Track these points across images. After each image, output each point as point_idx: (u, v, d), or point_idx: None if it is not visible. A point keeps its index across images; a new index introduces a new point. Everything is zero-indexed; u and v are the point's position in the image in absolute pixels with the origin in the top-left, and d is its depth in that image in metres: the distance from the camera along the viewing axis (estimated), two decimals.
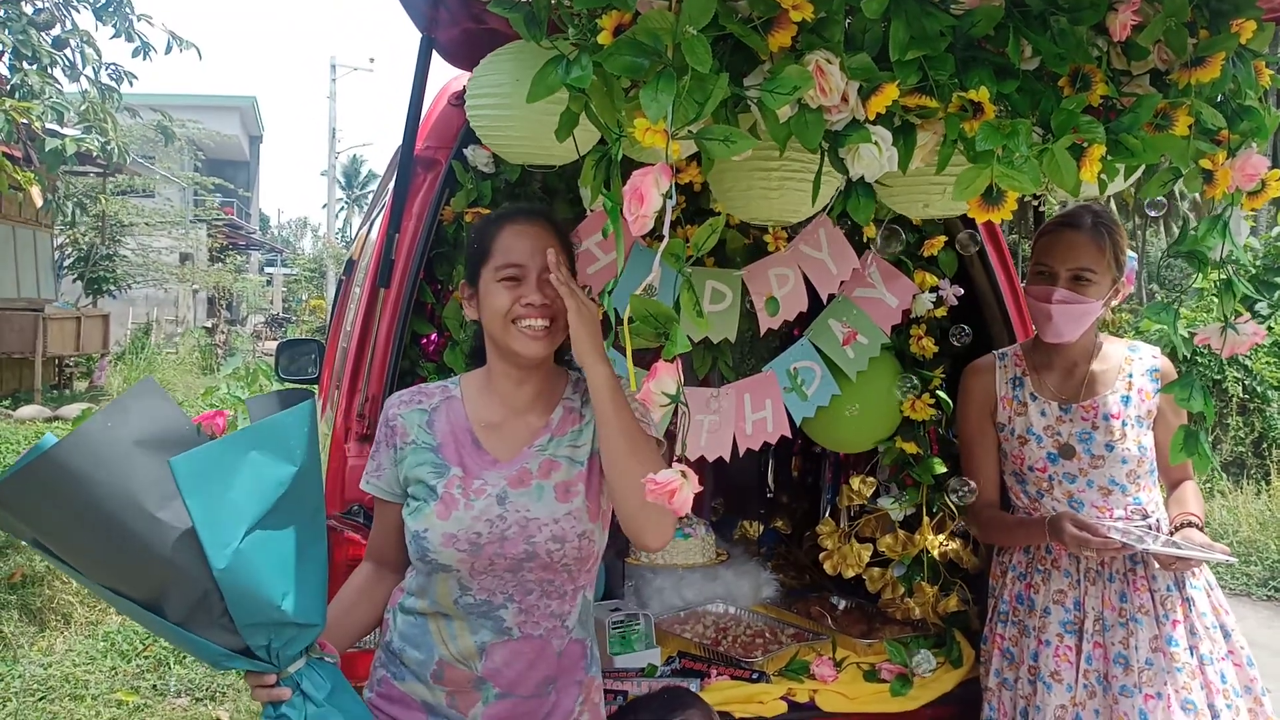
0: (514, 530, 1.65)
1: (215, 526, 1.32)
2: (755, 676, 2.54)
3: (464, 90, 2.00)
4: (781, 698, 2.49)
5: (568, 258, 1.74)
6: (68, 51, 6.29)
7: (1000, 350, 2.50)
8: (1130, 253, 2.34)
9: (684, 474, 1.31)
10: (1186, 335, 1.82)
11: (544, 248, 1.68)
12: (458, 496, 1.66)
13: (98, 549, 1.30)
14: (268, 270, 35.06)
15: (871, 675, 2.62)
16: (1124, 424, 2.28)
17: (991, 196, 1.44)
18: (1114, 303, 2.31)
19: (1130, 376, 2.34)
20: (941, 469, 2.74)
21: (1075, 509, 2.29)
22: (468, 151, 2.34)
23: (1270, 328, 9.35)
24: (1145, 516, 2.29)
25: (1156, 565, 2.20)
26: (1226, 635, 2.24)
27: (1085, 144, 1.43)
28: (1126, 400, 2.32)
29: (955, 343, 2.79)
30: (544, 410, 1.77)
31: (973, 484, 2.46)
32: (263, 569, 1.37)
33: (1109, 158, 1.48)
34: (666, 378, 1.42)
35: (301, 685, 1.45)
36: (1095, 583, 2.26)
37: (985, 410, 2.45)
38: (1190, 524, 2.25)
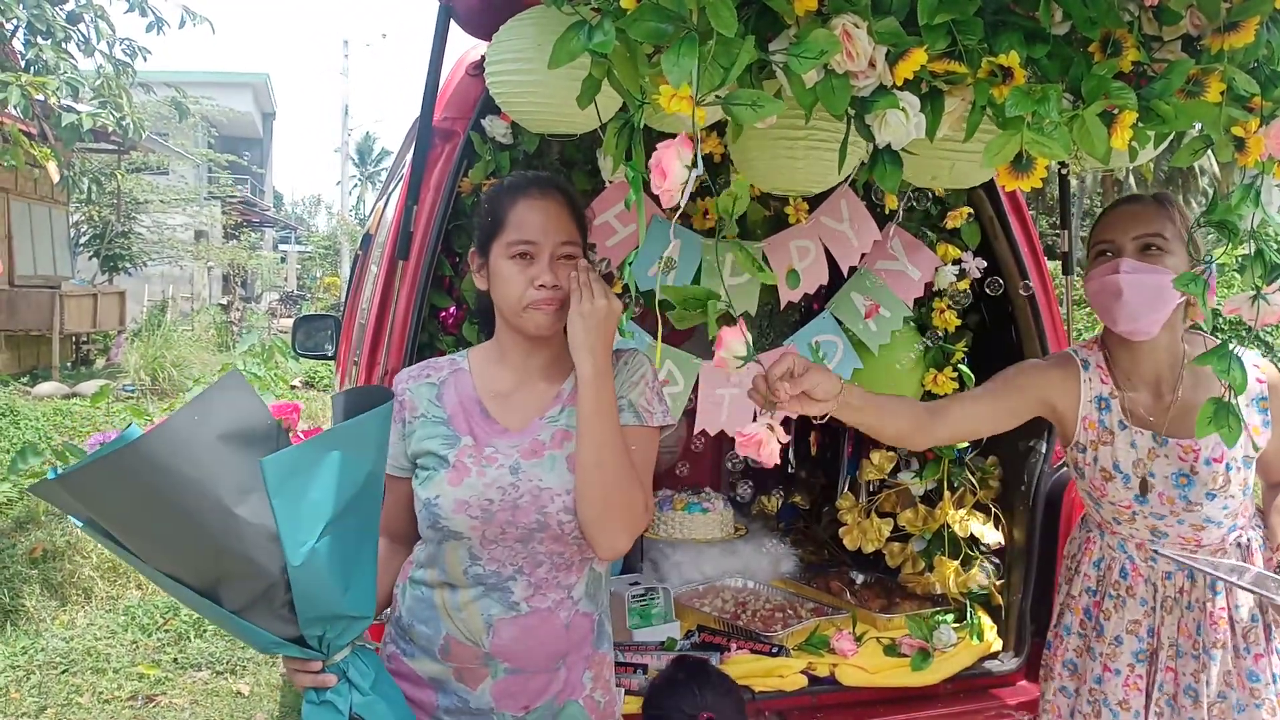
0: (526, 499, 1.63)
1: (295, 524, 1.33)
2: (775, 650, 2.53)
3: (482, 60, 1.98)
4: (801, 671, 2.49)
5: (581, 230, 1.72)
6: (81, 26, 6.27)
7: (1081, 356, 2.10)
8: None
9: (770, 428, 1.30)
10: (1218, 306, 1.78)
11: (558, 224, 1.66)
12: (469, 464, 1.65)
13: (165, 538, 1.30)
14: (282, 247, 35.09)
15: (892, 650, 2.62)
16: (1228, 468, 1.95)
17: (1021, 164, 1.41)
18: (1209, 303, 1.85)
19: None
20: (963, 443, 2.72)
21: (1158, 540, 2.04)
22: (486, 122, 2.31)
23: None
24: (1240, 547, 2.05)
25: (1239, 595, 2.02)
26: None
27: (1116, 110, 1.40)
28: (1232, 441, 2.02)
29: (989, 291, 2.72)
30: (555, 378, 1.74)
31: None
32: (332, 565, 1.38)
33: (1140, 125, 1.44)
34: (733, 341, 1.41)
35: (348, 674, 1.46)
36: (1172, 611, 2.05)
37: (1039, 406, 2.09)
38: None
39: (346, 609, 1.42)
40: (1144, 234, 1.91)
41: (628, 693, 2.26)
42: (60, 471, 1.22)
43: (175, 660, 4.58)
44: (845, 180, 2.16)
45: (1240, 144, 1.52)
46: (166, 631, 4.86)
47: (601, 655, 1.79)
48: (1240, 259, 1.62)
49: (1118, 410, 2.03)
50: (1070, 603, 2.21)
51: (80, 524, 1.30)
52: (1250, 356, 1.98)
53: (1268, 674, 2.00)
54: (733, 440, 2.75)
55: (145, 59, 6.94)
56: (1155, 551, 2.02)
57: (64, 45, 6.09)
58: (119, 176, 14.52)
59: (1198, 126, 1.52)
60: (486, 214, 1.72)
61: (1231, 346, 1.62)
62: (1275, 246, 1.72)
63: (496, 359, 1.75)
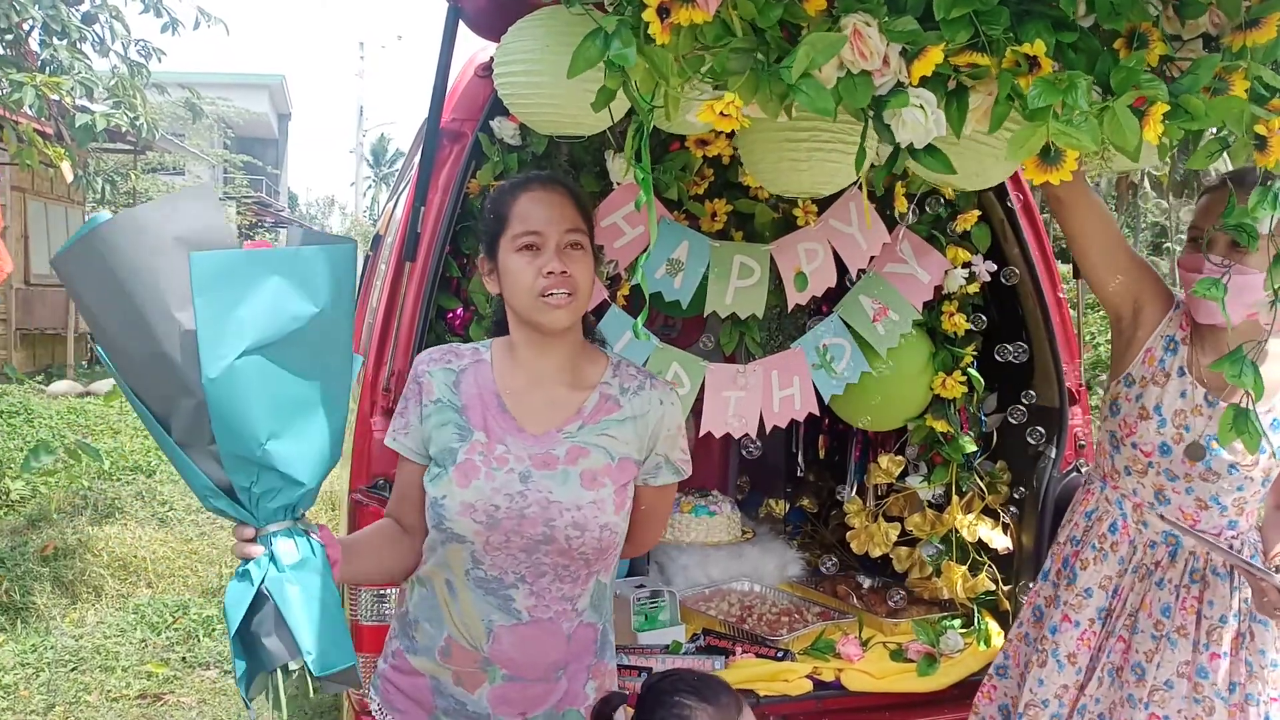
0: (534, 510, 1.61)
1: (215, 333, 1.29)
2: (780, 655, 2.52)
3: (491, 61, 1.98)
4: (807, 676, 2.48)
5: (587, 225, 1.70)
6: (97, 27, 6.30)
7: (1177, 299, 2.12)
8: None
9: None
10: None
11: (562, 213, 1.64)
12: (479, 464, 1.63)
13: (123, 339, 1.30)
14: None
15: (898, 655, 2.61)
16: (1262, 450, 1.93)
17: (1049, 156, 1.38)
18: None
19: None
20: (972, 447, 2.71)
21: (1156, 504, 2.07)
22: (494, 124, 2.32)
23: None
24: (1233, 540, 2.06)
25: (1204, 570, 2.04)
26: None
27: (1146, 104, 1.37)
28: (1276, 425, 1.99)
29: (1005, 281, 2.71)
30: (572, 384, 1.72)
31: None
32: (252, 397, 1.31)
33: (1168, 120, 1.41)
34: None
35: (272, 545, 1.37)
36: (1144, 580, 2.08)
37: (1131, 295, 2.11)
38: None
39: (274, 460, 1.34)
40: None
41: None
42: (58, 251, 1.29)
43: (184, 659, 4.59)
44: (853, 184, 2.14)
45: (1261, 143, 1.50)
46: (176, 630, 4.87)
47: (604, 665, 1.77)
48: None
49: (1182, 357, 2.04)
50: (1057, 549, 2.25)
51: (97, 345, 1.36)
52: None
53: (1218, 676, 2.01)
54: (739, 441, 2.75)
55: (160, 60, 6.96)
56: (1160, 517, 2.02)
57: (79, 45, 6.12)
58: (134, 177, 14.59)
59: (1211, 130, 1.51)
60: (490, 214, 1.71)
61: (1245, 352, 1.61)
62: None
63: (511, 354, 1.73)
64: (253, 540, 1.38)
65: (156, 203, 1.31)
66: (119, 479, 7.47)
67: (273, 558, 1.36)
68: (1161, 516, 2.07)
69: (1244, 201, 1.73)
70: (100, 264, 1.26)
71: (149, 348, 1.28)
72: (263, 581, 1.35)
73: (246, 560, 1.36)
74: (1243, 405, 1.54)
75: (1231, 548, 2.04)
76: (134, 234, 1.27)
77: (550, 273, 1.61)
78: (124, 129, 6.33)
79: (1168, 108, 1.35)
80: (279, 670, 1.37)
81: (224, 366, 1.28)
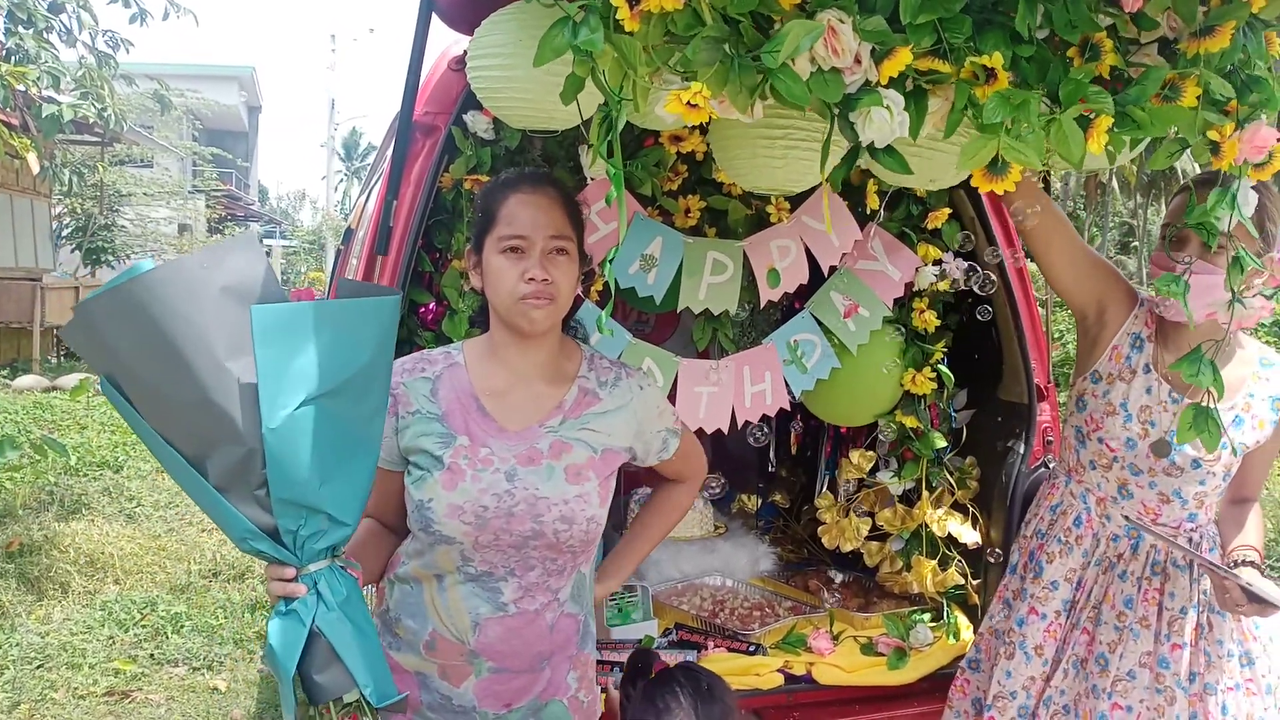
0: (522, 507, 1.63)
1: (276, 384, 1.32)
2: (752, 649, 2.54)
3: (464, 55, 1.97)
4: (778, 670, 2.50)
5: (575, 226, 1.72)
6: (64, 17, 6.23)
7: (1142, 296, 2.17)
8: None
9: None
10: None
11: (549, 218, 1.66)
12: (464, 467, 1.63)
13: (161, 386, 1.30)
14: (266, 242, 34.88)
15: (868, 649, 2.63)
16: (1223, 445, 2.01)
17: (996, 167, 1.42)
18: (1257, 283, 1.90)
19: (1251, 397, 2.05)
20: (941, 443, 2.73)
21: (1119, 499, 2.12)
22: (467, 117, 2.31)
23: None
24: (1192, 534, 2.11)
25: (1165, 562, 2.08)
26: (1249, 664, 2.07)
27: (1092, 115, 1.41)
28: (1239, 423, 2.04)
29: (978, 290, 2.72)
30: (553, 380, 1.74)
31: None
32: (310, 444, 1.34)
33: (1116, 130, 1.45)
34: None
35: (318, 585, 1.40)
36: (1107, 573, 2.13)
37: (1097, 298, 2.16)
38: (1250, 561, 2.02)
39: (324, 504, 1.38)
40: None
41: (603, 690, 2.27)
42: (89, 297, 1.28)
43: (152, 656, 4.56)
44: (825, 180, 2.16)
45: (1216, 148, 1.53)
46: (144, 627, 4.83)
47: (585, 656, 1.79)
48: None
49: (1148, 354, 2.10)
50: (1023, 543, 2.31)
51: (100, 375, 1.34)
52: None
53: (1179, 666, 2.05)
54: (714, 436, 2.76)
55: (128, 51, 6.89)
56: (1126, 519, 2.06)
57: (45, 35, 6.04)
58: (101, 169, 14.42)
59: (1173, 130, 1.54)
60: (480, 209, 1.72)
61: (1204, 352, 1.64)
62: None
63: (490, 354, 1.74)
64: (293, 580, 1.38)
65: (201, 253, 1.32)
66: (86, 474, 7.39)
67: (320, 596, 1.39)
68: (1125, 516, 2.11)
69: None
70: (140, 312, 1.26)
71: (192, 395, 1.29)
72: (314, 622, 1.37)
73: (288, 600, 1.38)
74: (1204, 404, 1.57)
75: (1190, 541, 2.09)
76: (178, 284, 1.28)
77: (532, 279, 1.62)
78: (91, 120, 6.27)
79: (1112, 120, 1.39)
80: (331, 705, 1.41)
81: (284, 416, 1.32)
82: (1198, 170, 1.90)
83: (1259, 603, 1.87)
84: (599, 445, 1.72)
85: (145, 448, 1.41)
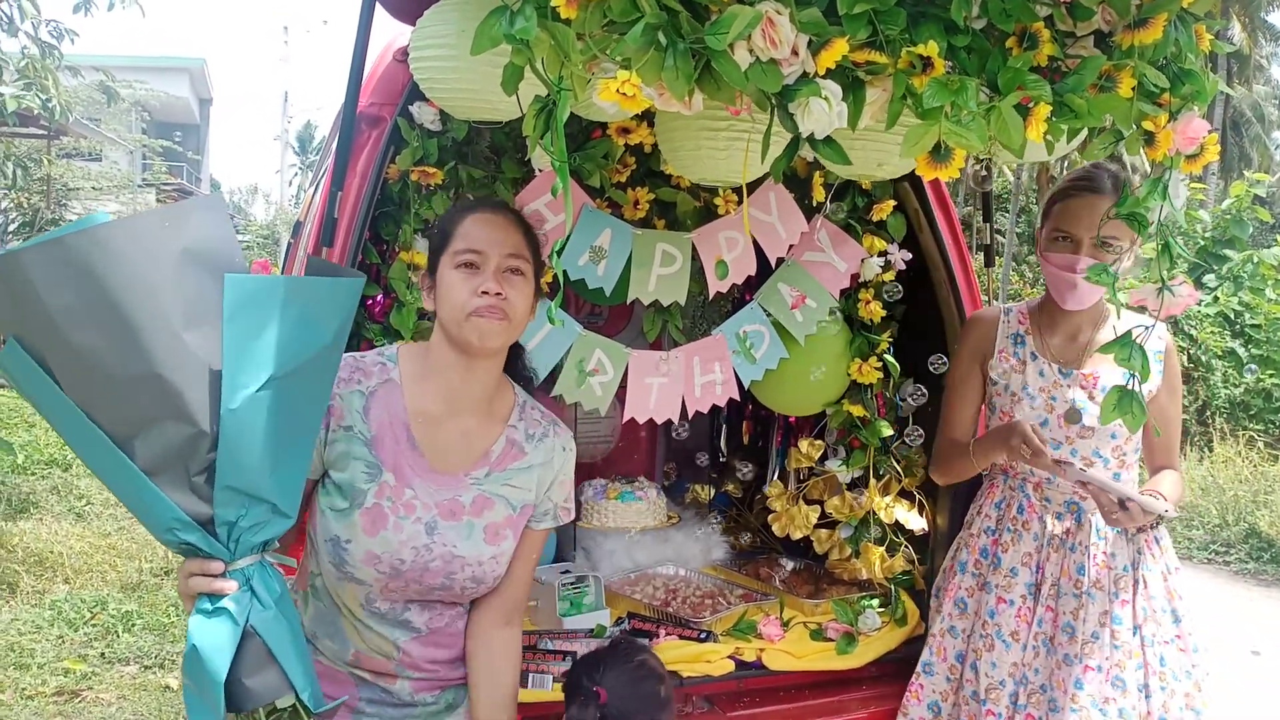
0: (437, 564, 1.65)
1: (239, 363, 1.22)
2: (703, 636, 2.56)
3: (409, 45, 1.97)
4: (729, 656, 2.52)
5: (532, 249, 1.71)
6: (5, 6, 6.10)
7: (1005, 306, 2.47)
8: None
9: None
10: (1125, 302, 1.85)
11: (505, 236, 1.65)
12: (387, 512, 1.61)
13: (96, 354, 1.17)
14: None
15: (818, 634, 2.66)
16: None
17: (939, 154, 1.44)
18: (1125, 264, 2.18)
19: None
20: (888, 431, 2.77)
21: (1053, 479, 2.28)
22: (414, 108, 2.30)
23: (1216, 298, 9.55)
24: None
25: (1105, 528, 2.22)
26: (1177, 620, 2.24)
27: (1031, 103, 1.44)
28: (1129, 376, 2.25)
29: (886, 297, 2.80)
30: (485, 418, 1.73)
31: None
32: (264, 429, 1.25)
33: (1054, 119, 1.48)
34: None
35: (252, 581, 1.29)
36: (1058, 550, 2.27)
37: (977, 357, 2.44)
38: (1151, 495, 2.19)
39: (270, 493, 1.28)
40: (1103, 235, 2.15)
41: (554, 680, 2.28)
42: (22, 246, 1.14)
43: (103, 655, 4.50)
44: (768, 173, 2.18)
45: (1150, 138, 1.57)
46: (94, 626, 4.77)
47: None
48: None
49: (1030, 345, 2.36)
50: (969, 540, 2.43)
51: (8, 342, 1.20)
52: (1160, 329, 2.26)
53: (1128, 620, 2.19)
54: (666, 427, 2.78)
55: (73, 41, 6.76)
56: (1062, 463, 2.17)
57: None
58: (48, 162, 14.14)
59: (1110, 121, 1.57)
60: (436, 231, 1.72)
61: (1135, 335, 1.69)
62: (1194, 249, 1.80)
63: (428, 375, 1.71)
64: (221, 575, 1.28)
65: (161, 210, 1.21)
66: (34, 473, 7.27)
67: (254, 593, 1.29)
68: (1058, 486, 2.27)
69: (1100, 207, 2.13)
70: (87, 268, 1.14)
71: (137, 368, 1.18)
72: (249, 621, 1.27)
73: (214, 598, 1.26)
74: (1128, 387, 1.63)
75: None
76: (136, 241, 1.17)
77: (485, 292, 1.61)
78: (36, 111, 6.15)
79: (1051, 107, 1.42)
80: (259, 711, 1.31)
81: (244, 397, 1.23)
82: (1147, 167, 1.97)
83: (1107, 493, 2.05)
84: (518, 502, 1.73)
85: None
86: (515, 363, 1.83)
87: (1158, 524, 2.21)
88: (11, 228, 16.11)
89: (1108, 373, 2.25)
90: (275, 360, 1.26)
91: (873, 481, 2.79)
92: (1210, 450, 8.75)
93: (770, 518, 3.02)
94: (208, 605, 1.26)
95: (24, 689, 4.10)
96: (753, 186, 2.54)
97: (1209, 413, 9.42)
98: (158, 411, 1.21)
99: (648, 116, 2.30)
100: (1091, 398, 2.25)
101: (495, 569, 1.70)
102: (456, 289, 1.62)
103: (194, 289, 1.21)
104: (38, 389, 1.21)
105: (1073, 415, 2.26)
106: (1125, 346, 1.61)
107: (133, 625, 4.79)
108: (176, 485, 1.23)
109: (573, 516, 1.84)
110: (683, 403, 2.62)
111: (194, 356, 1.20)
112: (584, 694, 1.79)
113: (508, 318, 1.63)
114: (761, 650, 2.57)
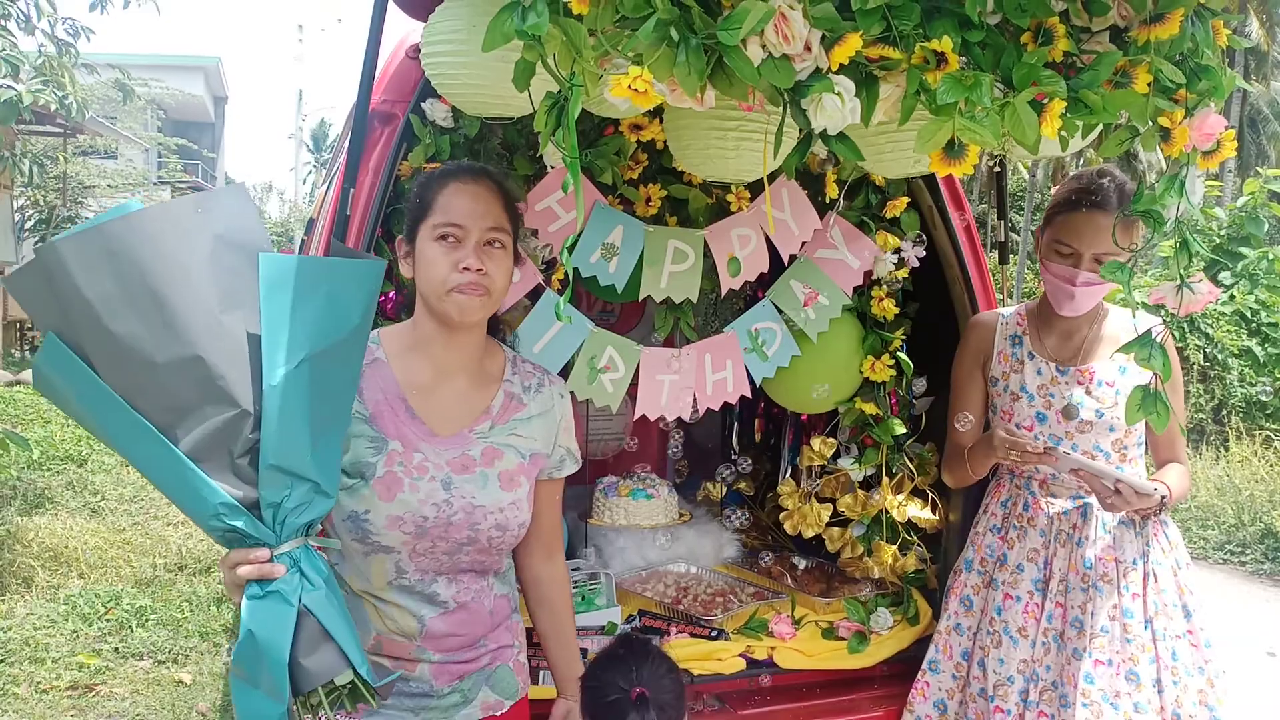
0: (460, 516, 1.65)
1: (276, 340, 1.24)
2: (714, 634, 2.56)
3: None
4: (740, 654, 2.52)
5: (512, 220, 1.71)
6: (21, 3, 6.12)
7: (1003, 309, 2.54)
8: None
9: None
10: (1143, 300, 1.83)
11: (486, 209, 1.65)
12: (400, 475, 1.63)
13: (137, 342, 1.18)
14: None
15: (829, 633, 2.65)
16: (1117, 393, 2.29)
17: (953, 150, 1.43)
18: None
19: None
20: (901, 429, 2.75)
21: (1057, 474, 2.31)
22: (426, 105, 2.30)
23: (1232, 296, 9.48)
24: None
25: (1114, 523, 2.25)
26: (1188, 615, 2.26)
27: (1046, 99, 1.43)
28: (1124, 371, 2.32)
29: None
30: (477, 379, 1.75)
31: (970, 416, 2.50)
32: (305, 405, 1.26)
33: (1069, 115, 1.47)
34: None
35: (300, 564, 1.29)
36: (1065, 545, 2.29)
37: (978, 360, 2.50)
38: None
39: (313, 471, 1.28)
40: (1103, 253, 2.18)
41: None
42: (61, 236, 1.16)
43: (116, 649, 4.52)
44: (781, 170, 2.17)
45: (1166, 134, 1.56)
46: (108, 621, 4.80)
47: (516, 623, 1.87)
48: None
49: (1028, 345, 2.42)
50: (975, 539, 2.46)
51: (45, 330, 1.21)
52: (1154, 321, 2.22)
53: (1139, 614, 2.21)
54: (679, 425, 2.78)
55: (89, 39, 6.78)
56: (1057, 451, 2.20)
57: (3, 22, 5.94)
58: (64, 160, 14.21)
59: (1125, 117, 1.56)
60: (416, 198, 1.71)
61: (1155, 334, 1.68)
62: (1209, 246, 1.79)
63: (412, 348, 1.72)
64: (268, 560, 1.27)
65: (191, 198, 1.24)
66: (49, 469, 7.32)
67: (303, 574, 1.29)
68: (1063, 481, 2.30)
69: (1123, 231, 2.15)
70: (124, 255, 1.16)
71: (179, 352, 1.19)
72: (301, 601, 1.27)
73: (263, 583, 1.26)
74: (1151, 388, 1.61)
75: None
76: (171, 226, 1.19)
77: (466, 268, 1.61)
78: (53, 108, 6.18)
79: (1066, 103, 1.41)
80: (319, 691, 1.30)
81: (283, 374, 1.24)
82: (1162, 162, 1.99)
83: (1094, 475, 2.13)
84: (527, 450, 1.76)
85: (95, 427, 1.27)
86: (494, 327, 1.87)
87: (1160, 511, 2.23)
88: (28, 225, 16.21)
89: (1103, 368, 2.31)
90: (309, 339, 1.28)
91: (885, 480, 2.78)
92: (1226, 450, 8.69)
93: (782, 516, 3.01)
94: (258, 591, 1.26)
95: (38, 683, 4.12)
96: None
97: (1225, 412, 9.36)
98: (200, 394, 1.22)
99: (659, 112, 2.29)
100: (1089, 393, 2.30)
101: (517, 515, 1.71)
102: (437, 264, 1.63)
103: (229, 272, 1.24)
104: (78, 384, 1.21)
105: (1069, 411, 2.31)
106: (1145, 345, 1.59)
107: (146, 620, 4.82)
108: (220, 470, 1.23)
109: (579, 464, 1.88)
110: (694, 400, 2.61)
111: (233, 337, 1.22)
112: (622, 698, 1.77)
113: (488, 293, 1.64)
114: (773, 648, 2.56)
